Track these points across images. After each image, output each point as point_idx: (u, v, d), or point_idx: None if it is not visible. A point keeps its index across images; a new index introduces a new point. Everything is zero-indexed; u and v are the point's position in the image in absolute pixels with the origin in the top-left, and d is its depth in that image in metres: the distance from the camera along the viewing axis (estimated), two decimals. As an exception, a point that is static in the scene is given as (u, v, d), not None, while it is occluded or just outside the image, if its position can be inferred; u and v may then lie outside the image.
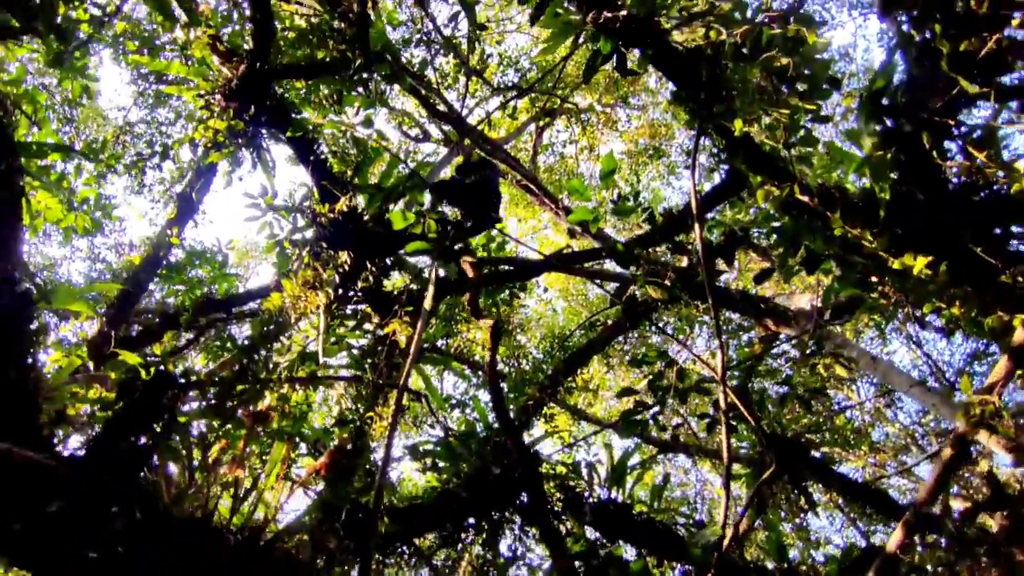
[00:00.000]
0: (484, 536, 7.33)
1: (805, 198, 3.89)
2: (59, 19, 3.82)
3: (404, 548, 7.36)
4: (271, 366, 4.36)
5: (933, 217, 4.32)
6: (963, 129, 4.18)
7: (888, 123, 3.97)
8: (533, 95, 14.67)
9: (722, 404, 4.07)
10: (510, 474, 6.95)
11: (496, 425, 7.72)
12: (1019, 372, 2.78)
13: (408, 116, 12.72)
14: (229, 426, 4.35)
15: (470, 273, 5.57)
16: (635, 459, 8.16)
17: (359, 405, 4.89)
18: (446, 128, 12.46)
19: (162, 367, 3.68)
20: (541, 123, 15.38)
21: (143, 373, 3.64)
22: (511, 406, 8.92)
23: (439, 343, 11.14)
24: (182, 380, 3.71)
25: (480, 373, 11.91)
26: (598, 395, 14.44)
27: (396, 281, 7.16)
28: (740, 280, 13.73)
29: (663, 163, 17.86)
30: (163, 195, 7.22)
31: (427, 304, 4.31)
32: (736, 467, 12.54)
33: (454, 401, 10.50)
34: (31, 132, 5.66)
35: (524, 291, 8.01)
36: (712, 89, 4.40)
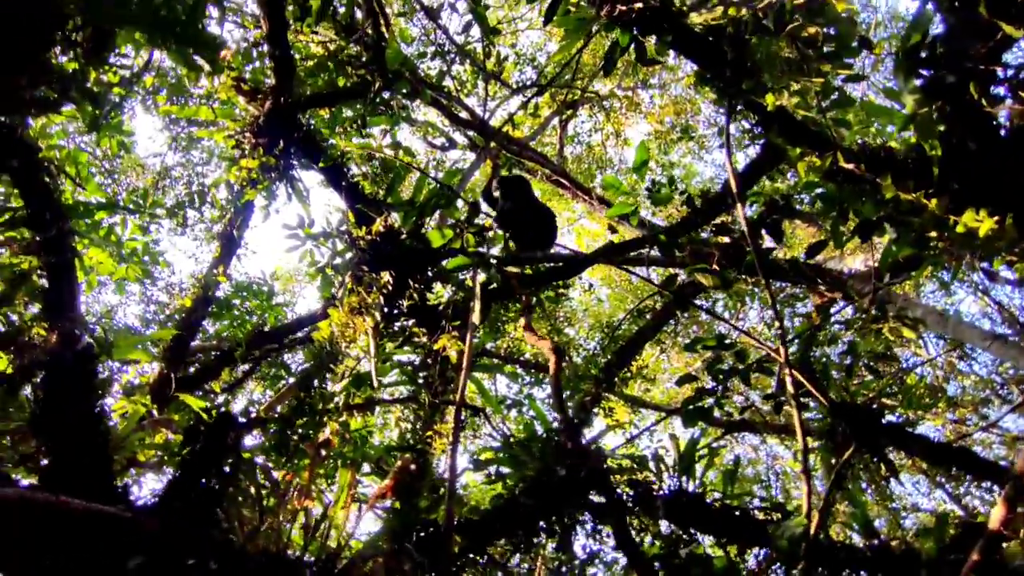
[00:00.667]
0: (556, 539, 7.31)
1: (850, 165, 3.74)
2: (91, 84, 3.94)
3: (477, 558, 7.39)
4: (327, 396, 4.42)
5: (989, 167, 4.12)
6: (1009, 73, 3.97)
7: (928, 76, 3.78)
8: (553, 89, 14.58)
9: (789, 388, 3.95)
10: (576, 474, 6.90)
11: (556, 426, 7.69)
12: None
13: (432, 126, 12.77)
14: (294, 459, 4.42)
15: (514, 280, 5.56)
16: (702, 444, 8.03)
17: (418, 425, 4.91)
18: (471, 133, 12.47)
19: (223, 408, 3.75)
20: (564, 116, 15.27)
21: (205, 416, 3.72)
22: (569, 404, 8.87)
23: (488, 346, 11.18)
24: (243, 419, 3.78)
25: (532, 371, 11.90)
26: (655, 381, 14.27)
27: (439, 291, 7.20)
28: (788, 249, 13.41)
29: (692, 138, 17.56)
30: (207, 235, 7.40)
31: (475, 318, 4.30)
32: (808, 440, 12.20)
33: (509, 401, 10.50)
34: (76, 192, 5.86)
35: (569, 287, 7.94)
36: (738, 66, 4.26)
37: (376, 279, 5.32)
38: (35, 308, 4.70)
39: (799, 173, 4.13)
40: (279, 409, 4.33)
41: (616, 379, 9.05)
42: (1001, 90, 4.10)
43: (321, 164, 5.69)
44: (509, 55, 11.79)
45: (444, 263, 5.46)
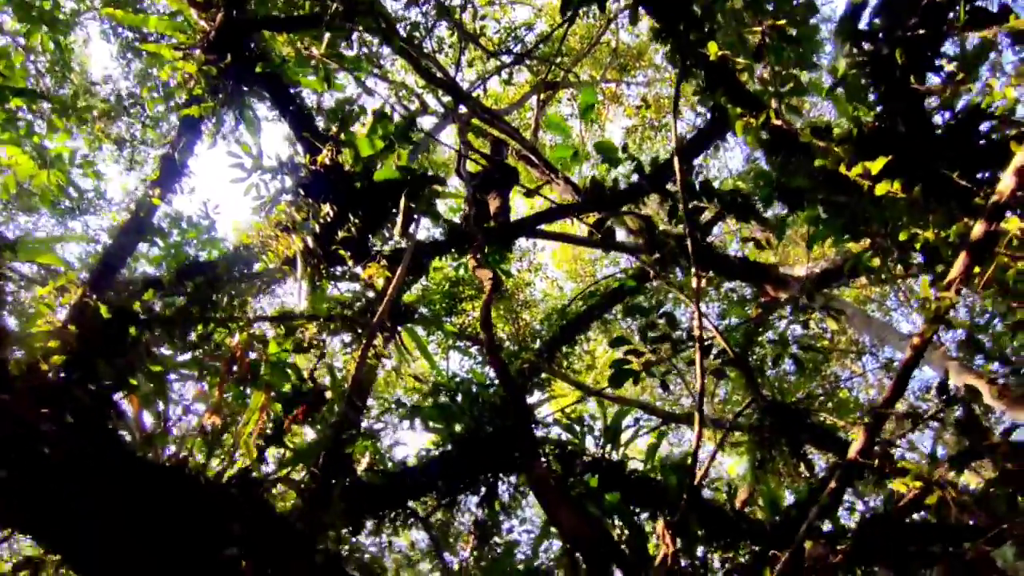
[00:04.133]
0: (480, 496, 7.30)
1: (779, 122, 3.76)
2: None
3: (399, 511, 7.35)
4: (236, 303, 4.30)
5: (913, 148, 4.20)
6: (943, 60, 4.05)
7: (864, 47, 3.82)
8: (535, 66, 14.50)
9: (696, 329, 3.96)
10: (503, 433, 6.89)
11: (490, 385, 7.68)
12: (976, 268, 2.66)
13: (406, 88, 12.60)
14: (205, 373, 4.31)
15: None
16: (631, 423, 8.10)
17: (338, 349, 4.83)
18: (446, 99, 12.34)
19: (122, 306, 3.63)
20: (543, 96, 15.18)
21: (103, 310, 3.59)
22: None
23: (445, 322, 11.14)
24: (143, 316, 3.66)
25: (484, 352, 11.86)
26: (596, 367, 14.33)
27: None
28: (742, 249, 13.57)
29: (669, 137, 17.62)
30: (142, 160, 7.13)
31: (396, 231, 4.23)
32: (737, 435, 12.41)
33: (459, 378, 10.47)
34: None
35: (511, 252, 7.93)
36: (691, 20, 4.27)
37: (315, 208, 5.21)
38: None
39: (737, 132, 4.15)
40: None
41: (559, 352, 9.07)
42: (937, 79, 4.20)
43: (259, 69, 5.43)
44: (488, 18, 11.66)
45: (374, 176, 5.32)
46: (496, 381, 7.08)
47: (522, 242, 17.51)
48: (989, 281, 2.62)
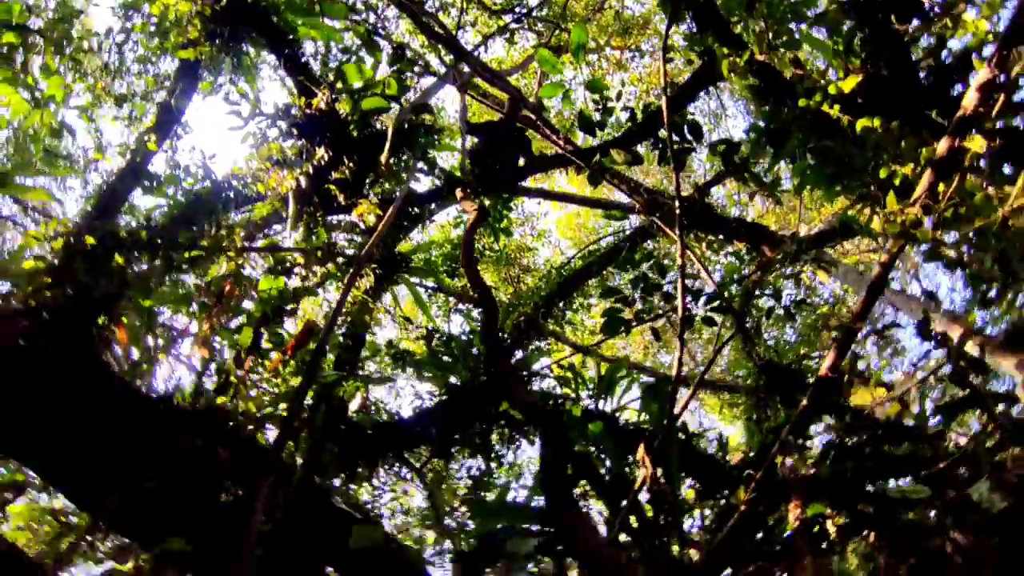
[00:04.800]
0: (472, 447, 7.42)
1: (763, 57, 3.76)
2: None
3: (393, 461, 7.49)
4: (224, 231, 4.35)
5: (896, 92, 4.20)
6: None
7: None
8: (537, 26, 14.39)
9: (678, 258, 4.00)
10: (496, 383, 6.98)
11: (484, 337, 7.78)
12: (941, 185, 2.69)
13: (400, 58, 12.48)
14: (194, 306, 4.40)
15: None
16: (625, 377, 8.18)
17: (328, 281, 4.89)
18: (447, 59, 12.26)
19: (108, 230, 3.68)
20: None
21: (89, 239, 3.65)
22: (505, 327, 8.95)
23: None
24: (131, 239, 3.72)
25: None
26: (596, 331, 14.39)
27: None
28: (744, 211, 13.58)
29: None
30: (140, 108, 7.10)
31: (382, 156, 4.25)
32: (734, 396, 12.48)
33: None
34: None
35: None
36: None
37: (310, 150, 5.25)
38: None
39: (723, 72, 4.15)
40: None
41: (556, 307, 9.14)
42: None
43: (260, 7, 5.40)
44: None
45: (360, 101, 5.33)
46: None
47: (528, 205, 17.52)
48: (952, 197, 2.64)
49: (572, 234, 20.79)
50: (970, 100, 2.73)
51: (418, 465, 7.67)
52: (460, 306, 11.94)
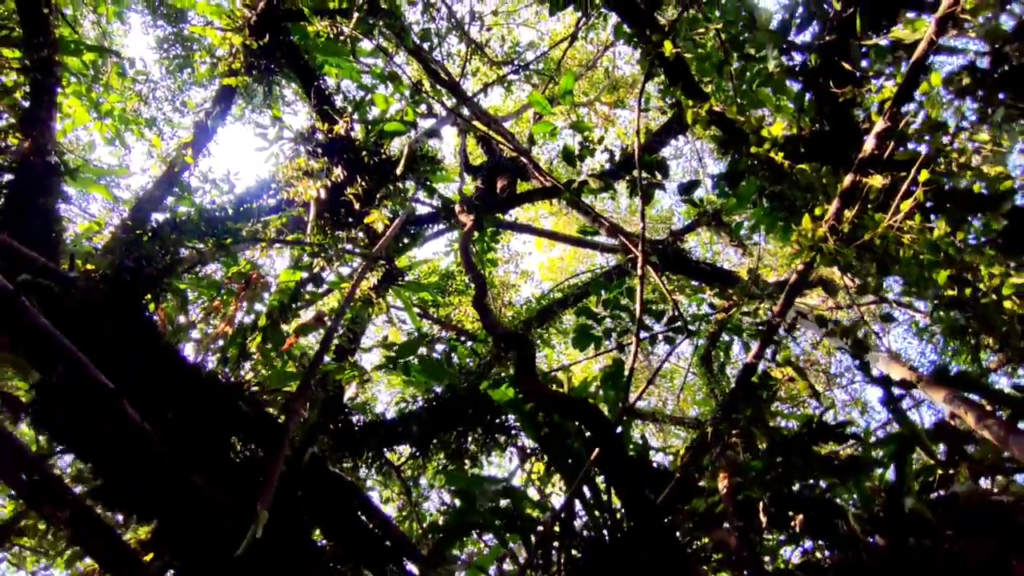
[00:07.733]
0: (449, 450, 7.98)
1: (719, 107, 4.60)
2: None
3: (380, 460, 8.03)
4: (259, 224, 5.04)
5: (837, 144, 5.06)
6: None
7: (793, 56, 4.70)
8: (535, 80, 15.48)
9: (640, 265, 4.72)
10: (475, 394, 7.60)
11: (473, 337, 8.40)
12: (847, 212, 3.48)
13: (417, 92, 13.46)
14: (223, 292, 5.07)
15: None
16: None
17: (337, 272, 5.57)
18: (450, 103, 13.22)
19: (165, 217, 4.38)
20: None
21: (156, 216, 4.33)
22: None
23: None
24: (174, 230, 4.41)
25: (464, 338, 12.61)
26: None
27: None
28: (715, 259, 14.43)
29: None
30: (178, 126, 7.89)
31: (399, 169, 5.00)
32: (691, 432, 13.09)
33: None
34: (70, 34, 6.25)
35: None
36: (655, 25, 5.14)
37: (329, 168, 6.02)
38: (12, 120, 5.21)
39: (687, 119, 5.00)
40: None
41: (533, 329, 9.86)
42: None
43: (294, 43, 6.23)
44: (493, 30, 12.61)
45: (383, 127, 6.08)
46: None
47: (514, 244, 18.30)
48: (853, 220, 3.44)
49: (554, 276, 21.67)
50: (869, 145, 3.56)
51: (397, 464, 8.25)
52: (443, 333, 12.64)
